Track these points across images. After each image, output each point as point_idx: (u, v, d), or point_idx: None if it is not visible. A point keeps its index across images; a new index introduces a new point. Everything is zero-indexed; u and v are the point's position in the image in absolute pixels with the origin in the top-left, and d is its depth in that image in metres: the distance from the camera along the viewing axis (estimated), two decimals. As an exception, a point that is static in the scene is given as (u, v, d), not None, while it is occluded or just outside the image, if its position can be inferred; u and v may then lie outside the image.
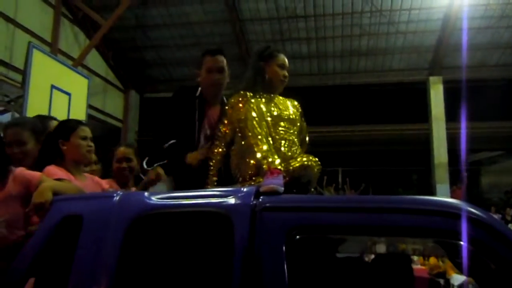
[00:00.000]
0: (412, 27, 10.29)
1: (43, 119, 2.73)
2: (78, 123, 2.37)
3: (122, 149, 2.92)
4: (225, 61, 2.71)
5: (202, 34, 10.46)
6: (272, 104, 2.30)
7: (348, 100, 11.46)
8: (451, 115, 10.29)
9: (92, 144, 2.32)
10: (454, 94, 9.30)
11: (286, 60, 2.45)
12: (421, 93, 11.10)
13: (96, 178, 2.48)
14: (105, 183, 2.56)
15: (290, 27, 10.56)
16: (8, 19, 7.98)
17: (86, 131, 2.32)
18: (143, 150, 2.98)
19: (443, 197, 2.09)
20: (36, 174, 2.07)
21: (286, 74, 2.40)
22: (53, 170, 2.16)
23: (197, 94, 2.72)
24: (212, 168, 2.36)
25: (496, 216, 10.47)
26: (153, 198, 1.81)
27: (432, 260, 7.13)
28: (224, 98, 2.79)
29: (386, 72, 11.39)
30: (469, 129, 8.46)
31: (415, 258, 6.66)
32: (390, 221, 1.53)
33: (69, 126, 2.33)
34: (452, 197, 10.37)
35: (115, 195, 1.85)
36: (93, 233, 1.73)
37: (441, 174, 10.58)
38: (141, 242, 1.76)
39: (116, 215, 1.76)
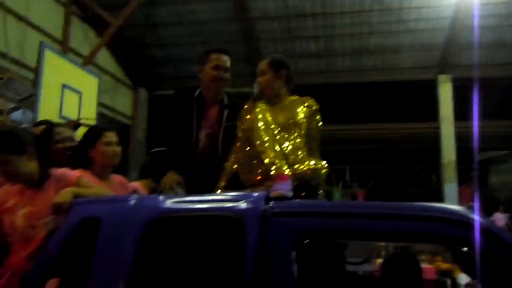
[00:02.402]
0: (421, 25, 10.26)
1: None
2: (102, 129, 2.47)
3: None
4: (229, 61, 2.77)
5: (210, 32, 10.51)
6: (278, 110, 2.35)
7: (356, 98, 11.46)
8: (460, 114, 10.27)
9: (116, 148, 2.41)
10: (463, 93, 9.28)
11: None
12: (430, 91, 11.08)
13: (120, 178, 2.57)
14: (126, 183, 2.64)
15: (299, 25, 10.57)
16: (20, 17, 8.08)
17: (110, 136, 2.42)
18: (150, 148, 3.04)
19: (449, 202, 2.14)
20: (73, 175, 2.16)
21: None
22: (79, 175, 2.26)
23: (196, 94, 2.78)
24: (223, 177, 2.43)
25: (504, 215, 10.46)
26: (168, 201, 1.88)
27: (439, 258, 7.15)
28: (225, 99, 2.85)
29: (395, 70, 11.37)
30: (478, 127, 8.45)
31: (422, 256, 6.70)
32: (397, 227, 1.58)
33: (94, 133, 2.43)
34: (460, 196, 10.38)
35: (131, 198, 1.93)
36: (110, 236, 1.80)
37: (450, 173, 10.58)
38: (156, 244, 1.83)
39: (132, 218, 1.83)
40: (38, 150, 2.09)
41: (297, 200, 1.85)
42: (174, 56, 11.39)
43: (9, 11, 7.61)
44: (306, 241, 1.61)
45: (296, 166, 2.13)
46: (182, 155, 2.68)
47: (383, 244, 2.34)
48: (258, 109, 2.19)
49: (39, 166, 2.09)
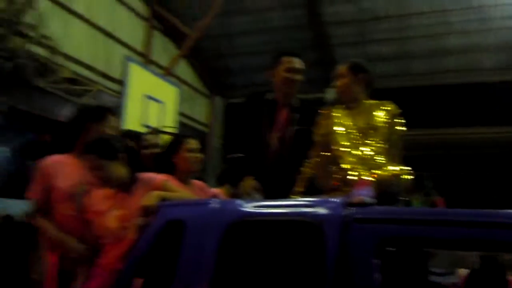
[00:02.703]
0: (507, 23, 9.60)
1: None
2: (184, 136, 2.61)
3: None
4: (301, 63, 2.79)
5: (283, 40, 10.58)
6: (357, 114, 2.32)
7: (434, 101, 10.94)
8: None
9: (198, 155, 2.53)
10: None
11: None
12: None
13: (200, 184, 2.68)
14: (206, 188, 2.75)
15: (373, 29, 10.34)
16: (106, 33, 8.70)
17: (192, 143, 2.55)
18: (227, 154, 3.12)
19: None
20: (159, 179, 2.28)
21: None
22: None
23: (266, 98, 2.82)
24: (300, 183, 2.43)
25: None
26: (247, 206, 1.93)
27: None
28: (296, 102, 2.85)
29: (476, 72, 10.71)
30: None
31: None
32: (489, 236, 1.49)
33: (177, 140, 2.58)
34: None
35: (212, 202, 2.00)
36: (193, 238, 1.88)
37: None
38: (236, 247, 1.88)
39: (213, 221, 1.89)
40: (128, 157, 2.23)
41: (380, 206, 1.81)
42: (248, 65, 11.61)
43: (97, 27, 8.21)
44: (389, 249, 1.58)
45: (376, 172, 2.09)
46: (257, 160, 2.72)
47: (468, 253, 2.21)
48: (336, 114, 2.17)
49: (128, 171, 2.23)
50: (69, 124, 2.40)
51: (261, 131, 2.75)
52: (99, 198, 2.24)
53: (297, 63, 2.78)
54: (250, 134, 2.77)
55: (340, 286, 1.56)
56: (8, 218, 5.65)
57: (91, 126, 2.37)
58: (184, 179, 2.51)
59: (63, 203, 2.31)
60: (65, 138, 2.45)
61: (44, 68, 6.91)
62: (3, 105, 6.67)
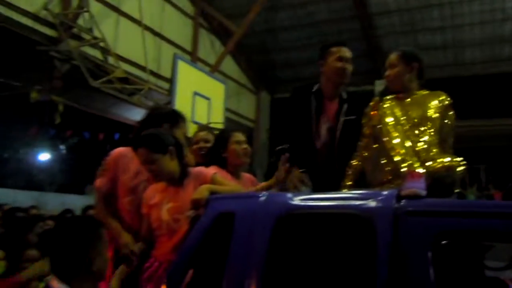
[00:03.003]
0: None
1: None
2: (231, 130, 2.65)
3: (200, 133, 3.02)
4: (350, 52, 2.78)
5: (328, 33, 10.46)
6: (408, 105, 2.26)
7: (490, 91, 10.44)
8: None
9: (245, 146, 2.57)
10: None
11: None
12: None
13: (250, 177, 2.72)
14: (256, 181, 2.79)
15: (422, 17, 10.00)
16: (155, 33, 8.94)
17: (239, 136, 2.60)
18: (274, 148, 3.14)
19: None
20: (208, 172, 2.34)
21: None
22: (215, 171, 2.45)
23: (314, 89, 2.80)
24: (349, 176, 2.41)
25: None
26: (296, 199, 1.93)
27: None
28: (343, 93, 2.83)
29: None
30: None
31: None
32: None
33: (225, 135, 2.63)
34: None
35: (262, 195, 2.02)
36: (244, 230, 1.90)
37: None
38: (286, 239, 1.89)
39: (263, 213, 1.91)
40: (178, 151, 2.30)
41: (433, 199, 1.76)
42: (293, 59, 11.57)
43: (147, 28, 8.46)
44: (444, 242, 1.54)
45: (428, 164, 2.03)
46: (305, 151, 2.72)
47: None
48: (386, 105, 2.12)
49: (179, 165, 2.29)
50: (144, 124, 2.49)
51: (309, 123, 2.75)
52: (153, 191, 2.32)
53: (347, 52, 2.76)
54: (298, 126, 2.77)
55: (393, 281, 1.54)
56: (66, 212, 5.97)
57: (165, 127, 2.46)
58: (234, 172, 2.56)
59: (125, 197, 2.42)
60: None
61: (98, 69, 7.21)
62: (60, 105, 7.02)
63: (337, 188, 2.40)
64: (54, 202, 11.39)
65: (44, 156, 16.38)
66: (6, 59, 7.01)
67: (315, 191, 2.56)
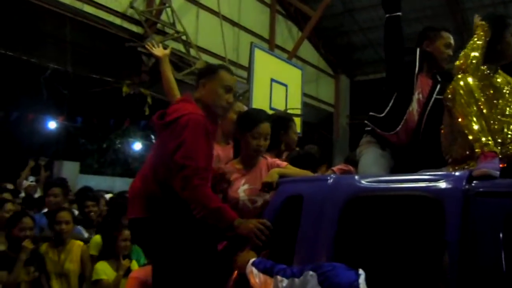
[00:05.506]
0: None
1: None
2: (257, 121, 2.40)
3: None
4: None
5: (410, 10, 9.96)
6: (490, 81, 2.13)
7: None
8: None
9: (261, 143, 2.36)
10: None
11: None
12: None
13: (269, 160, 2.51)
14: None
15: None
16: (233, 23, 9.15)
17: (263, 128, 2.37)
18: (355, 133, 3.12)
19: None
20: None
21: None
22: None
23: (417, 72, 2.75)
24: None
25: None
26: (364, 181, 1.94)
27: None
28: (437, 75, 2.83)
29: None
30: None
31: None
32: None
33: (247, 123, 2.41)
34: None
35: (329, 178, 2.06)
36: (312, 212, 1.95)
37: None
38: (354, 222, 1.91)
39: (331, 196, 1.94)
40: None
41: (505, 179, 1.68)
42: (373, 40, 11.19)
43: (225, 19, 8.68)
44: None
45: (505, 145, 1.92)
46: (395, 127, 2.70)
47: None
48: (462, 79, 2.00)
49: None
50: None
51: (407, 102, 2.73)
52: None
53: (452, 40, 2.84)
54: (397, 99, 2.75)
55: (463, 263, 1.51)
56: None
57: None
58: (247, 162, 2.48)
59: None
60: None
61: (181, 61, 7.57)
62: (149, 97, 7.50)
63: (418, 166, 2.34)
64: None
65: (137, 146, 17.55)
66: (98, 56, 7.63)
67: (396, 168, 2.59)
